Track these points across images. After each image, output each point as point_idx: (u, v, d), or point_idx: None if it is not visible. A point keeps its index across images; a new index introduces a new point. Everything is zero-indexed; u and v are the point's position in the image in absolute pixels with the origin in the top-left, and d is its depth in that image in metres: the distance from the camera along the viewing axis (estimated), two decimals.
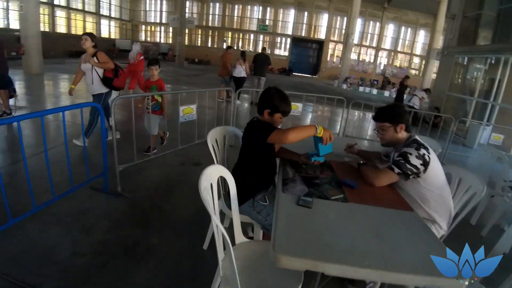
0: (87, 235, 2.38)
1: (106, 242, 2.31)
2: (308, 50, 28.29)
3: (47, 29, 22.44)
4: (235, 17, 28.71)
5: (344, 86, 19.96)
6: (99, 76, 3.94)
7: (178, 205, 2.98)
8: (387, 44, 27.67)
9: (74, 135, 4.25)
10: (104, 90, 4.02)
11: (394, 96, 13.75)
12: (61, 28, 23.76)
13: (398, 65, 27.63)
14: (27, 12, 10.68)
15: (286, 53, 28.16)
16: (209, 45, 29.88)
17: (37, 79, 10.30)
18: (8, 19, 18.77)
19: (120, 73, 4.07)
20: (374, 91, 20.05)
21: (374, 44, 27.55)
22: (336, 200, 1.55)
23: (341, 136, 5.30)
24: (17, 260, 2.05)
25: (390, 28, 27.26)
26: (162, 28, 30.62)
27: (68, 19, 24.03)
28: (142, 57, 7.48)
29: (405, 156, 1.75)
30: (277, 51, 28.47)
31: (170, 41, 28.75)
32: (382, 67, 27.50)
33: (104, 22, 28.18)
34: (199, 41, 30.18)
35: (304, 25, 27.80)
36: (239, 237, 1.68)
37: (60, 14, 23.34)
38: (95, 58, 3.86)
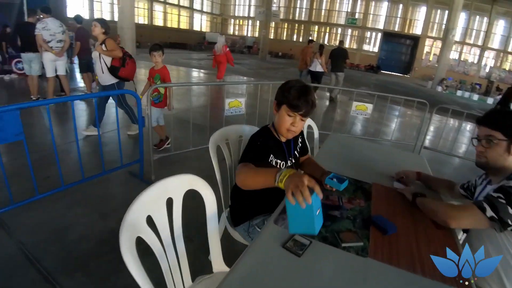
0: (103, 220, 2.35)
1: (116, 231, 2.19)
2: (400, 46, 25.58)
3: (146, 22, 25.05)
4: (323, 10, 27.57)
5: (439, 89, 17.28)
6: (106, 65, 3.67)
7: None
8: (495, 43, 23.31)
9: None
10: (114, 80, 3.76)
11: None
12: (158, 21, 26.29)
13: (507, 68, 22.78)
14: (124, 6, 11.94)
15: (375, 49, 25.94)
16: (294, 39, 29.48)
17: None
18: (112, 12, 21.41)
19: (127, 63, 3.72)
20: (475, 97, 16.63)
21: (480, 43, 23.39)
22: (349, 250, 1.02)
23: (418, 148, 4.36)
24: (33, 231, 2.15)
25: (500, 25, 22.89)
26: (250, 22, 31.41)
27: (165, 13, 26.42)
28: (227, 49, 8.23)
29: (509, 195, 1.08)
30: (365, 47, 26.48)
31: (257, 34, 29.25)
32: (487, 70, 23.15)
33: (196, 16, 30.24)
34: (284, 35, 30.02)
35: (398, 19, 25.17)
36: (218, 264, 1.30)
37: (158, 8, 25.76)
38: (103, 45, 3.60)
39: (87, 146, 3.70)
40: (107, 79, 3.74)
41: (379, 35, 26.01)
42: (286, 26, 29.82)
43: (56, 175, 2.43)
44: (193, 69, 12.99)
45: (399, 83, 18.00)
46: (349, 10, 26.70)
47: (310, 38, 9.33)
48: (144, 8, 24.16)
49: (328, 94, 8.59)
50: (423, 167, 1.84)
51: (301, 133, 1.57)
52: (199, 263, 1.39)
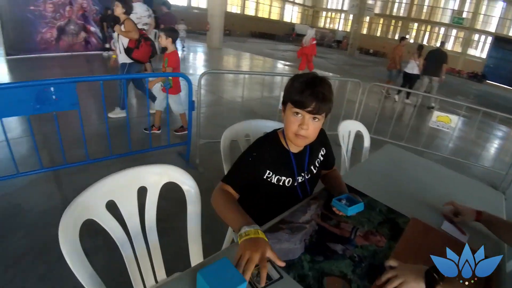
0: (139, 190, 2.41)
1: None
2: None
3: (238, 11, 25.95)
4: (425, 7, 24.47)
5: None
6: (123, 45, 3.72)
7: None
8: None
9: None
10: (127, 60, 3.78)
11: None
12: (250, 11, 26.98)
13: None
14: None
15: (483, 55, 22.04)
16: (389, 36, 27.03)
17: (213, 52, 12.12)
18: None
19: (141, 45, 3.70)
20: None
21: None
22: None
23: (507, 182, 3.38)
24: (80, 190, 2.30)
25: None
26: (342, 15, 29.93)
27: (257, 3, 26.92)
28: (314, 42, 8.05)
29: None
30: (471, 51, 22.71)
31: (348, 29, 27.80)
32: None
33: (288, 7, 30.11)
34: (378, 31, 27.75)
35: None
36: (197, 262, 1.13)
37: None
38: (122, 26, 3.62)
39: (136, 123, 3.90)
40: (122, 58, 3.81)
41: (489, 39, 21.88)
42: (381, 22, 27.42)
43: (105, 146, 2.62)
44: (273, 60, 12.93)
45: (506, 97, 14.86)
46: (455, 8, 23.08)
47: (404, 36, 8.20)
48: None
49: (397, 96, 7.46)
50: (497, 210, 1.33)
51: (325, 142, 1.25)
52: (179, 260, 1.24)
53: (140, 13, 5.42)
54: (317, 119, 1.01)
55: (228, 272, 0.68)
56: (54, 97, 2.17)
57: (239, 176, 1.07)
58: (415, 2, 24.88)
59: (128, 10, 3.70)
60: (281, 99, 1.10)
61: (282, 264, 0.79)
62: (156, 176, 1.05)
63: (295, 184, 1.14)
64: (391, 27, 27.08)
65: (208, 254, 0.88)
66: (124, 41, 3.73)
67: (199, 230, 1.12)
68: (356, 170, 1.54)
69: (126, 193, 1.00)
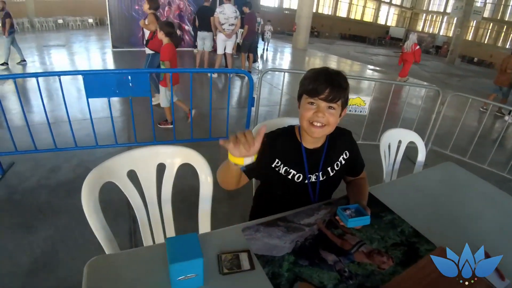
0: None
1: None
2: None
3: (330, 12, 25.33)
4: None
5: None
6: (145, 37, 4.14)
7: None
8: None
9: None
10: (149, 51, 4.09)
11: None
12: (342, 12, 26.08)
13: None
14: None
15: None
16: (499, 44, 23.00)
17: (297, 53, 12.15)
18: (290, 0, 22.39)
19: (155, 36, 3.84)
20: None
21: None
22: None
23: None
24: None
25: None
26: (445, 18, 26.65)
27: (350, 4, 25.85)
28: (417, 47, 7.77)
29: None
30: None
31: (450, 34, 24.72)
32: None
33: (383, 9, 28.19)
34: (486, 38, 23.86)
35: None
36: None
37: None
38: (146, 20, 4.01)
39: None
40: (146, 49, 4.16)
41: None
42: (489, 27, 23.41)
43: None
44: (361, 64, 12.29)
45: None
46: None
47: None
48: None
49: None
50: None
51: (351, 144, 1.16)
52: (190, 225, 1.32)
53: (228, 14, 5.83)
54: (332, 108, 0.98)
55: (191, 246, 0.71)
56: (130, 84, 2.50)
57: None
58: None
59: (152, 6, 4.06)
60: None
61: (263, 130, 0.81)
62: (173, 155, 1.15)
63: (306, 181, 1.08)
64: (502, 34, 22.91)
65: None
66: (146, 34, 4.19)
67: (209, 212, 1.19)
68: (396, 184, 1.38)
69: (146, 166, 1.12)
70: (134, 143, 2.78)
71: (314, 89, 0.95)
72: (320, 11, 24.03)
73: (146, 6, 4.11)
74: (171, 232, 1.22)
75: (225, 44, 6.16)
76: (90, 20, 15.91)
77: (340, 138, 1.15)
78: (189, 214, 1.27)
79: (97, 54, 8.27)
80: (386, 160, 1.58)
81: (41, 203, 2.17)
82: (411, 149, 1.77)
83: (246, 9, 6.71)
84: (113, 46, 8.27)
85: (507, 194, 1.34)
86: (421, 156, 1.69)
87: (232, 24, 5.94)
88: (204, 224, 1.19)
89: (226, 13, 5.80)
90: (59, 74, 2.47)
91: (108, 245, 0.99)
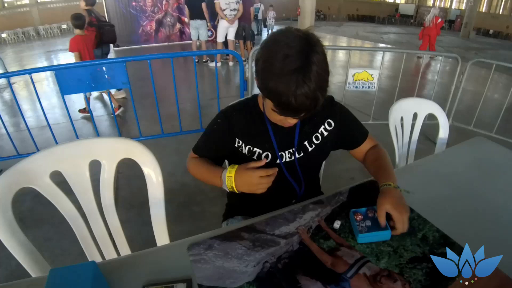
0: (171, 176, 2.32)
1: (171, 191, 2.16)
2: None
3: None
4: None
5: None
6: None
7: None
8: None
9: None
10: None
11: None
12: None
13: None
14: None
15: None
16: None
17: None
18: None
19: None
20: None
21: None
22: None
23: None
24: None
25: None
26: None
27: None
28: (440, 20, 7.54)
29: None
30: None
31: (463, 6, 23.40)
32: None
33: None
34: (501, 8, 22.39)
35: None
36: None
37: None
38: None
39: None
40: None
41: None
42: None
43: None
44: (371, 43, 11.68)
45: None
46: None
47: None
48: None
49: None
50: None
51: (333, 112, 0.89)
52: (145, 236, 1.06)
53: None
54: None
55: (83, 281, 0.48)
56: (106, 76, 2.26)
57: (208, 145, 0.89)
58: None
59: (89, 2, 3.83)
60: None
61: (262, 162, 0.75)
62: (110, 150, 0.88)
63: (278, 161, 0.84)
64: None
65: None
66: None
67: (163, 216, 0.92)
68: (413, 168, 1.06)
69: (75, 166, 0.87)
70: (142, 138, 2.51)
71: (285, 112, 0.68)
72: None
73: (82, 4, 3.88)
74: (123, 246, 0.96)
75: (227, 31, 5.88)
76: None
77: (330, 111, 0.88)
78: (146, 221, 1.00)
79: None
80: (398, 140, 1.26)
81: (22, 211, 1.97)
82: (429, 126, 1.43)
83: None
84: (114, 45, 8.11)
85: None
86: (444, 132, 1.35)
87: (234, 9, 5.68)
88: (161, 234, 0.93)
89: None
90: (30, 72, 2.24)
91: (33, 267, 0.76)
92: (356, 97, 3.33)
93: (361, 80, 2.79)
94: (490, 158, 1.12)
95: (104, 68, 2.23)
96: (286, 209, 0.77)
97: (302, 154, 0.86)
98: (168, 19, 8.64)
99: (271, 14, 11.32)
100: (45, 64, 7.28)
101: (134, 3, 7.94)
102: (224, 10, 5.59)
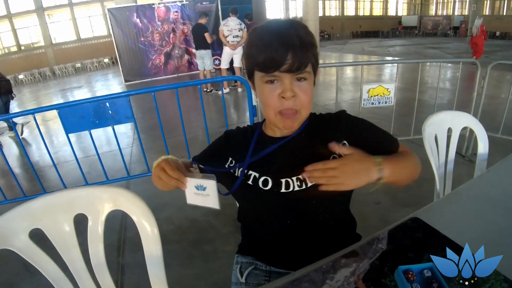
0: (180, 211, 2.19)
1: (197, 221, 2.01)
2: None
3: (337, 14, 24.99)
4: None
5: None
6: None
7: None
8: None
9: None
10: None
11: None
12: (349, 11, 25.64)
13: None
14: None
15: None
16: None
17: None
18: (296, 9, 22.07)
19: None
20: None
21: None
22: None
23: None
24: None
25: None
26: None
27: (357, 1, 25.39)
28: (483, 29, 8.51)
29: None
30: None
31: (466, 12, 23.43)
32: None
33: (392, 0, 27.42)
34: (504, 9, 22.28)
35: None
36: None
37: None
38: None
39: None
40: None
41: None
42: None
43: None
44: (378, 57, 11.66)
45: None
46: None
47: None
48: (336, 0, 24.12)
49: None
50: None
51: (349, 124, 0.74)
52: None
53: (232, 26, 5.74)
54: (303, 79, 0.65)
55: None
56: (110, 111, 2.19)
57: (204, 156, 0.84)
58: None
59: None
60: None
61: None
62: (95, 201, 0.75)
63: (281, 190, 0.70)
64: None
65: None
66: None
67: (162, 273, 0.76)
68: (457, 197, 0.88)
69: (57, 221, 0.74)
70: (130, 177, 2.43)
71: (269, 60, 0.62)
72: (327, 14, 23.67)
73: None
74: None
75: (231, 58, 5.98)
76: (106, 60, 16.55)
77: (325, 121, 0.76)
78: (143, 275, 0.84)
79: (110, 91, 8.34)
80: (434, 160, 1.08)
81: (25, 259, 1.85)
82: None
83: (246, 21, 6.59)
84: (125, 80, 8.33)
85: None
86: (483, 147, 1.16)
87: (237, 36, 5.81)
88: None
89: (229, 25, 5.75)
90: (33, 112, 2.21)
91: None
92: (370, 113, 3.16)
93: (377, 95, 2.64)
94: None
95: (107, 104, 2.17)
96: (311, 267, 0.61)
97: (304, 186, 0.69)
98: (176, 51, 8.87)
99: None
100: (61, 101, 7.48)
101: (142, 39, 8.21)
102: (226, 36, 5.73)
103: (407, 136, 2.74)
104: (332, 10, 24.44)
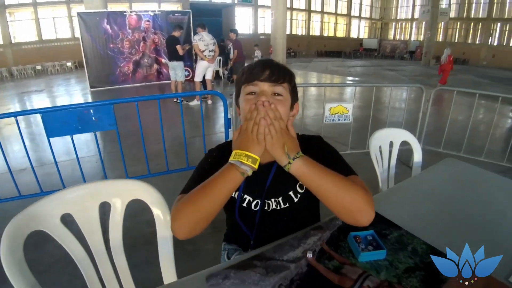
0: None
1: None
2: None
3: (303, 33, 26.17)
4: (507, 3, 21.27)
5: None
6: None
7: None
8: None
9: None
10: None
11: None
12: (315, 31, 27.00)
13: None
14: (277, 18, 12.80)
15: None
16: (469, 40, 24.08)
17: None
18: (264, 26, 22.94)
19: None
20: None
21: None
22: None
23: None
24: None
25: None
26: (414, 24, 27.91)
27: (322, 22, 26.86)
28: (451, 58, 9.40)
29: None
30: None
31: (421, 37, 25.76)
32: None
33: (354, 23, 29.33)
34: (456, 36, 25.02)
35: None
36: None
37: (316, 18, 26.42)
38: None
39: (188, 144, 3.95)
40: None
41: None
42: (457, 26, 24.64)
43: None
44: (341, 76, 12.44)
45: None
46: None
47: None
48: (302, 20, 25.38)
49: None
50: None
51: (321, 148, 0.87)
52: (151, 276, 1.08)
53: (207, 41, 5.89)
54: (278, 95, 0.78)
55: None
56: (93, 118, 2.30)
57: (199, 182, 0.77)
58: (496, 1, 21.77)
59: None
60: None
61: None
62: (120, 192, 0.93)
63: (270, 209, 0.87)
64: (470, 31, 24.06)
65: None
66: None
67: (171, 256, 0.95)
68: (395, 191, 1.18)
69: (85, 208, 0.90)
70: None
71: (251, 73, 0.79)
72: (294, 32, 24.76)
73: None
74: (130, 287, 0.98)
75: (206, 71, 6.14)
76: (69, 64, 15.87)
77: (304, 141, 0.84)
78: (151, 260, 1.02)
79: (75, 96, 8.08)
80: (379, 166, 1.39)
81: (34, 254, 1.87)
82: (403, 152, 1.59)
83: (233, 35, 6.92)
84: (91, 86, 8.15)
85: None
86: (418, 156, 1.50)
87: (212, 50, 5.98)
88: (168, 272, 0.95)
89: (205, 40, 5.88)
90: (16, 114, 2.25)
91: None
92: (331, 127, 3.52)
93: (337, 113, 3.00)
94: (460, 175, 1.27)
95: (91, 111, 2.28)
96: (290, 237, 0.84)
97: (287, 205, 0.86)
98: (146, 60, 8.87)
99: (258, 53, 11.49)
100: (17, 106, 7.12)
101: (112, 45, 8.14)
102: (203, 51, 5.87)
103: (363, 149, 3.12)
104: (299, 29, 25.59)
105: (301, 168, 0.72)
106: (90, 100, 7.18)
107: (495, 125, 3.56)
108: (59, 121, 2.22)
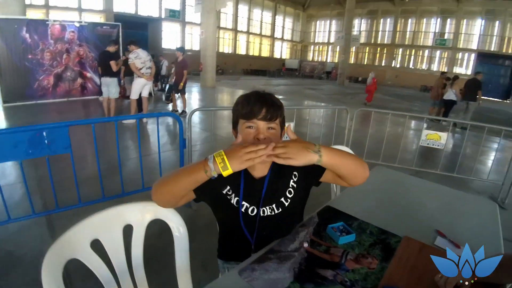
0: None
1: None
2: (498, 68, 21.70)
3: (230, 51, 27.04)
4: (408, 32, 25.97)
5: None
6: None
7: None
8: None
9: None
10: None
11: None
12: (241, 50, 28.15)
13: None
14: (207, 36, 13.09)
15: (469, 72, 22.84)
16: (376, 63, 28.29)
17: (207, 91, 12.46)
18: (191, 42, 23.35)
19: None
20: None
21: None
22: None
23: (505, 191, 3.36)
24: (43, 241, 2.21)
25: None
26: (330, 47, 31.38)
27: (248, 42, 28.22)
28: (375, 81, 11.63)
29: None
30: (457, 69, 23.64)
31: (337, 60, 29.11)
32: None
33: (277, 44, 31.50)
34: (365, 59, 29.13)
35: (495, 38, 22.28)
36: None
37: (242, 38, 27.68)
38: None
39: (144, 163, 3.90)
40: None
41: (473, 56, 23.03)
42: (367, 51, 28.87)
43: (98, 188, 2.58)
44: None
45: (498, 110, 15.01)
46: (437, 31, 24.62)
47: (442, 70, 12.64)
48: (229, 39, 26.33)
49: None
50: (492, 220, 1.32)
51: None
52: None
53: (144, 58, 5.79)
54: (272, 129, 0.97)
55: None
56: (46, 141, 2.20)
57: (202, 189, 0.96)
58: (398, 29, 26.33)
59: None
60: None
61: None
62: (140, 213, 1.06)
63: (264, 214, 1.04)
64: (377, 55, 28.40)
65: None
66: None
67: (187, 267, 1.11)
68: (346, 195, 1.54)
69: (111, 231, 1.00)
70: (56, 210, 2.37)
71: (250, 111, 0.94)
72: (221, 50, 25.42)
73: None
74: None
75: (143, 88, 6.04)
76: None
77: None
78: (165, 274, 1.16)
79: None
80: None
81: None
82: None
83: (179, 54, 6.85)
84: (4, 101, 7.09)
85: (428, 182, 1.68)
86: None
87: (149, 67, 5.92)
88: (184, 280, 1.10)
89: (141, 57, 5.78)
90: None
91: None
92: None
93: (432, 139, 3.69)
94: (389, 178, 1.75)
95: (44, 133, 2.19)
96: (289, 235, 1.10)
97: (280, 210, 1.05)
98: (69, 73, 8.20)
99: (164, 62, 11.20)
100: None
101: (30, 56, 7.32)
102: (140, 69, 5.78)
103: None
104: (226, 48, 26.40)
105: (329, 155, 0.88)
106: (2, 117, 6.29)
107: (404, 136, 4.44)
108: (8, 144, 2.07)
